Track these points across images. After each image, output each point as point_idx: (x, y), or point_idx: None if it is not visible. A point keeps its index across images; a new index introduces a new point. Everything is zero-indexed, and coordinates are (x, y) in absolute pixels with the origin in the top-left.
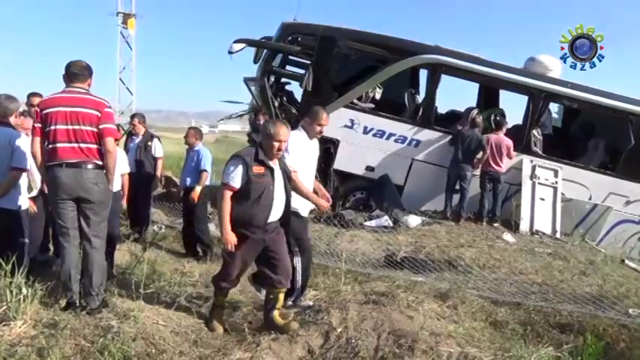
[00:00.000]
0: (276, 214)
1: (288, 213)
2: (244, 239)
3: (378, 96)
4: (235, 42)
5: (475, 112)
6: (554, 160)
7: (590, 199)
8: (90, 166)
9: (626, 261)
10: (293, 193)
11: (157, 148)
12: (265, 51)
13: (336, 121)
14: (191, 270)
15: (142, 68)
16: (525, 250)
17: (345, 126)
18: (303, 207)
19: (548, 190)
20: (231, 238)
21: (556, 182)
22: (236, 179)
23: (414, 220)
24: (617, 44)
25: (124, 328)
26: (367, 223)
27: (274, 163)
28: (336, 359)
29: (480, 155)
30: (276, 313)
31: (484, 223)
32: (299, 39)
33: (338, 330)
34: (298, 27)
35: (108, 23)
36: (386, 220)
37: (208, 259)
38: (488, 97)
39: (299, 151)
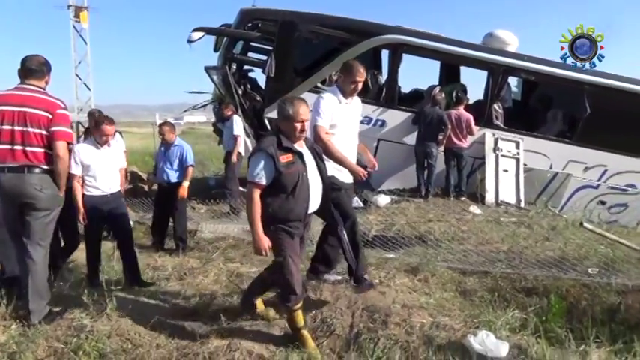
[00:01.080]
0: (315, 202)
1: (329, 197)
2: (287, 234)
3: None
4: (194, 31)
5: (437, 89)
6: (515, 132)
7: (550, 167)
8: (36, 170)
9: (585, 224)
10: (327, 161)
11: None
12: (225, 39)
13: None
14: (163, 264)
15: (99, 62)
16: (491, 220)
17: (310, 110)
18: (342, 173)
19: (511, 162)
20: (264, 243)
21: (518, 153)
22: (263, 175)
23: (383, 200)
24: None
25: (97, 326)
26: None
27: (301, 146)
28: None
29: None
30: (259, 300)
31: (451, 198)
32: (259, 25)
33: (313, 311)
34: (257, 13)
35: (60, 16)
36: (356, 201)
37: (180, 253)
38: (449, 74)
39: (331, 112)
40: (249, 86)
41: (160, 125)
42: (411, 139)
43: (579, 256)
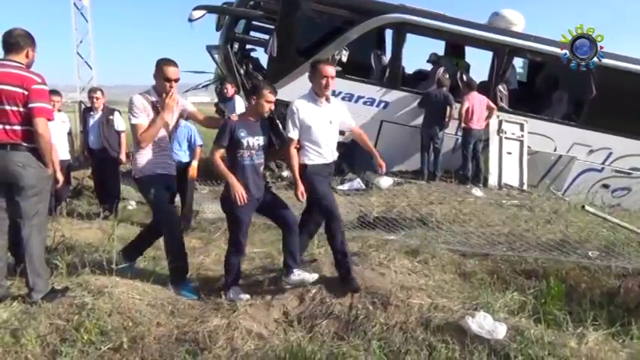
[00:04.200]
0: None
1: None
2: None
3: (344, 58)
4: (195, 9)
5: (441, 70)
6: (519, 114)
7: (555, 150)
8: (20, 148)
9: (587, 207)
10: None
11: (119, 122)
12: (227, 17)
13: (303, 85)
14: None
15: (102, 41)
16: (493, 203)
17: None
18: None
19: (515, 144)
20: None
21: (522, 136)
22: None
23: (385, 182)
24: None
25: (98, 304)
26: (340, 187)
27: None
28: (312, 318)
29: (448, 113)
30: None
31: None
32: (261, 3)
33: (312, 291)
34: None
35: None
36: (358, 183)
37: (183, 232)
38: (454, 54)
39: None
40: (251, 66)
41: None
42: (414, 121)
43: (580, 239)
